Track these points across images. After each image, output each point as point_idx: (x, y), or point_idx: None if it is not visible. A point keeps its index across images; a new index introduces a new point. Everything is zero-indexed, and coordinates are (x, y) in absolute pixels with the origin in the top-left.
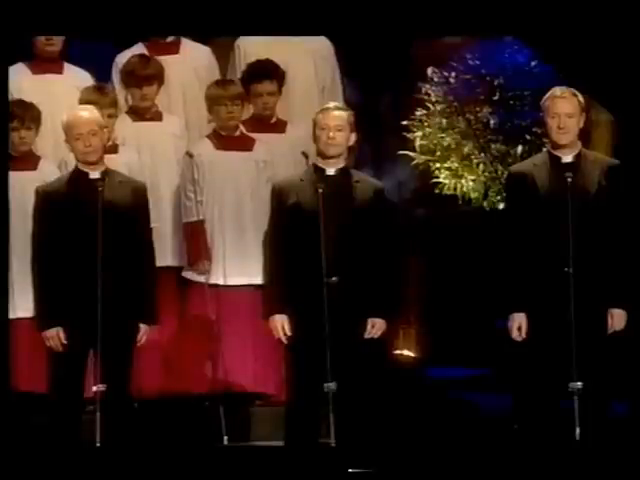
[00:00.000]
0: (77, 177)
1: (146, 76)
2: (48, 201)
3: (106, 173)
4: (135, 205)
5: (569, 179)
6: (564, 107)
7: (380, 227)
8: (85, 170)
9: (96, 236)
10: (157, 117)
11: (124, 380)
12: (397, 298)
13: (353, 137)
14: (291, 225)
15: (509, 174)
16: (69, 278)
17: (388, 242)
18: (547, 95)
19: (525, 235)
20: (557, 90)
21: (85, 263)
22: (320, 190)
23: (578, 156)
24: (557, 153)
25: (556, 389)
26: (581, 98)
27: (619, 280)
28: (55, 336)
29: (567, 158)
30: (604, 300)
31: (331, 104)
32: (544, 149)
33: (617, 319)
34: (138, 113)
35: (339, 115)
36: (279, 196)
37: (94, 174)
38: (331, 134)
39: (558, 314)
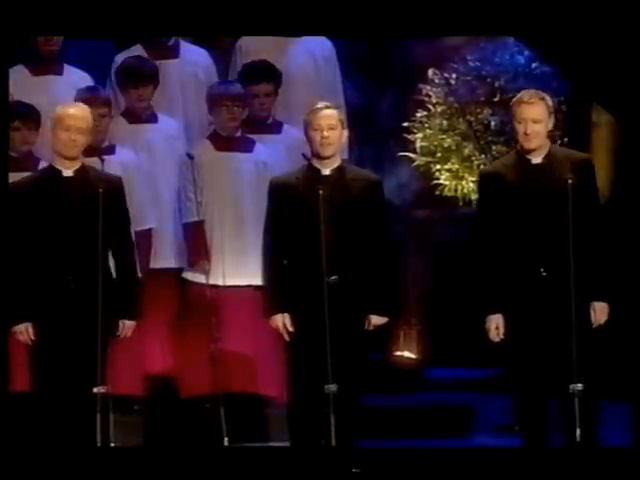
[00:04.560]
0: (49, 174)
1: (142, 76)
2: (18, 197)
3: (79, 171)
4: (110, 200)
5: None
6: (530, 113)
7: (378, 220)
8: (59, 168)
9: (65, 234)
10: (152, 118)
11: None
12: (397, 292)
13: (345, 134)
14: (288, 224)
15: (480, 175)
16: (37, 275)
17: (386, 236)
18: (515, 99)
19: (499, 236)
20: (525, 95)
21: (54, 260)
22: (321, 192)
23: (548, 156)
24: (526, 155)
25: (552, 390)
26: (549, 101)
27: (598, 273)
28: (24, 331)
29: (537, 159)
30: (585, 295)
31: (320, 104)
32: (513, 149)
33: (599, 312)
34: (134, 115)
35: (330, 114)
36: (276, 193)
37: (67, 172)
38: (325, 133)
39: (540, 314)
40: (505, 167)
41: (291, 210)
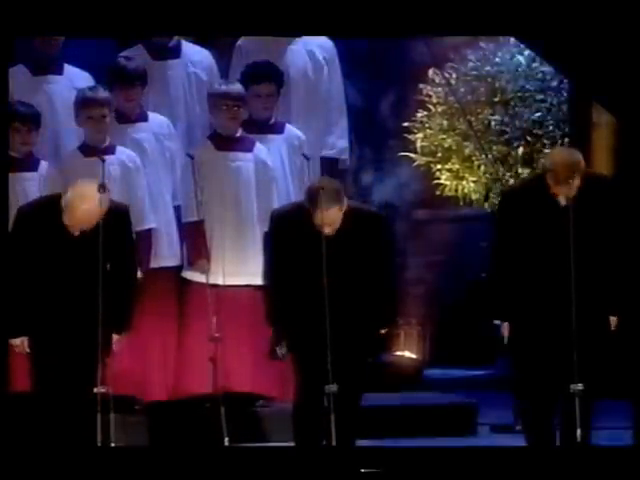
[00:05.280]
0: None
1: (128, 78)
2: (25, 221)
3: None
4: (115, 229)
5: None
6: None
7: (378, 254)
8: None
9: (69, 259)
10: (142, 118)
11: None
12: (396, 306)
13: (344, 207)
14: (289, 257)
15: (502, 194)
16: (38, 292)
17: (387, 268)
18: (551, 168)
19: (516, 254)
20: (560, 170)
21: (54, 279)
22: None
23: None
24: None
25: (555, 390)
26: (582, 161)
27: (613, 288)
28: (20, 345)
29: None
30: (599, 307)
31: (323, 200)
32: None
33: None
34: (123, 115)
35: (332, 213)
36: (277, 226)
37: None
38: (326, 230)
39: (550, 320)
40: (527, 190)
41: (292, 242)
